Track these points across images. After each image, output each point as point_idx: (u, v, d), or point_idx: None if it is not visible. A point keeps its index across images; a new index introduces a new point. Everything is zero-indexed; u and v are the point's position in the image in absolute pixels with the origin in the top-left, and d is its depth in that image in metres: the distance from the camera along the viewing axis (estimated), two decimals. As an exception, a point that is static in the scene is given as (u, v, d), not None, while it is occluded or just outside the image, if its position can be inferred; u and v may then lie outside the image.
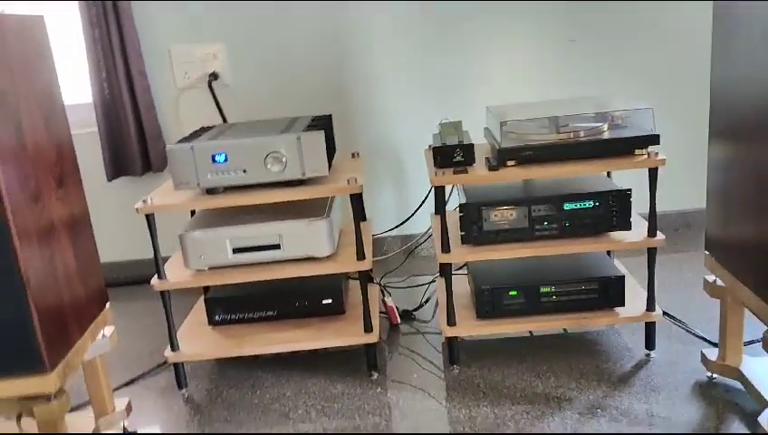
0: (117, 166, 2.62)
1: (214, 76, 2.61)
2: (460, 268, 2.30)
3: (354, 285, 2.22)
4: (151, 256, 1.83)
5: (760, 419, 1.51)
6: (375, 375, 1.96)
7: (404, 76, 2.67)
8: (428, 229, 2.64)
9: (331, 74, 2.66)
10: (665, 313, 2.10)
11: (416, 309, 2.34)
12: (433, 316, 2.31)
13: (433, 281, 2.46)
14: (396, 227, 2.64)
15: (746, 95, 1.45)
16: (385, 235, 2.75)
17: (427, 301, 2.38)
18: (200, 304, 2.22)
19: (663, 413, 1.67)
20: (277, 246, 1.85)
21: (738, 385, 1.72)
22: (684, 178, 2.67)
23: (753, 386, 1.62)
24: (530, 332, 2.12)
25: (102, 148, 2.59)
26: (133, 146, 2.60)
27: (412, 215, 2.55)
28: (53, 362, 1.43)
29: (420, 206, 2.44)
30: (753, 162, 1.44)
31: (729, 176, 1.58)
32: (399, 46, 2.64)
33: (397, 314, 2.26)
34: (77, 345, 1.55)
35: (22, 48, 1.44)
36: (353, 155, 2.14)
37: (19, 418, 1.79)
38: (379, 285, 2.35)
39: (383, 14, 2.60)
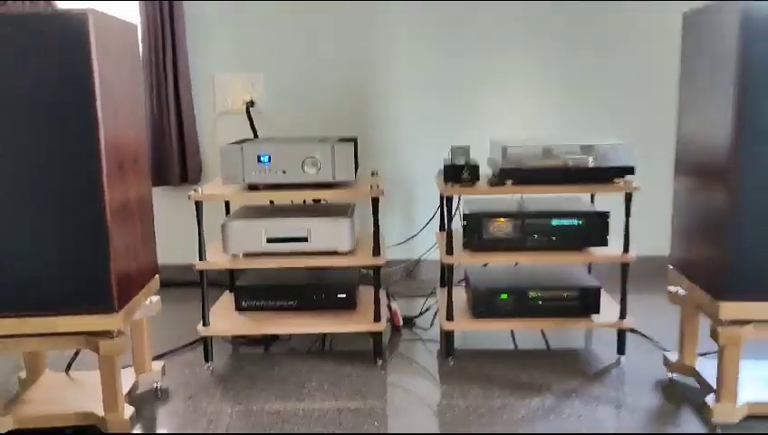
0: (158, 175, 2.94)
1: (251, 103, 2.97)
2: (458, 283, 2.58)
3: (363, 290, 2.50)
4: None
5: (707, 398, 1.79)
6: (380, 362, 2.23)
7: (417, 113, 3.03)
8: (432, 246, 2.95)
9: (352, 108, 3.02)
10: (633, 329, 2.39)
11: (416, 316, 2.62)
12: (431, 325, 2.59)
13: (432, 293, 2.75)
14: (404, 242, 2.93)
15: (698, 146, 1.80)
16: (389, 255, 3.04)
17: (426, 310, 2.66)
18: (225, 296, 2.50)
19: (629, 401, 1.94)
20: (305, 239, 2.15)
21: (693, 382, 2.00)
22: (654, 226, 3.00)
23: (704, 380, 1.91)
24: (515, 345, 2.39)
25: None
26: (174, 159, 2.92)
27: (420, 231, 2.85)
28: (120, 305, 1.70)
29: (428, 223, 2.74)
30: (704, 194, 1.77)
31: (688, 204, 1.91)
32: (415, 84, 3.01)
33: (400, 317, 2.53)
34: (135, 298, 1.83)
35: (120, 47, 1.78)
36: (373, 173, 2.46)
37: (68, 368, 2.05)
38: (386, 290, 2.63)
39: (402, 54, 2.99)
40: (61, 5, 2.90)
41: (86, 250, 1.65)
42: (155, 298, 2.03)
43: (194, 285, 2.82)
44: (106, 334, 1.71)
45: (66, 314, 1.67)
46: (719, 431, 1.75)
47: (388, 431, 1.81)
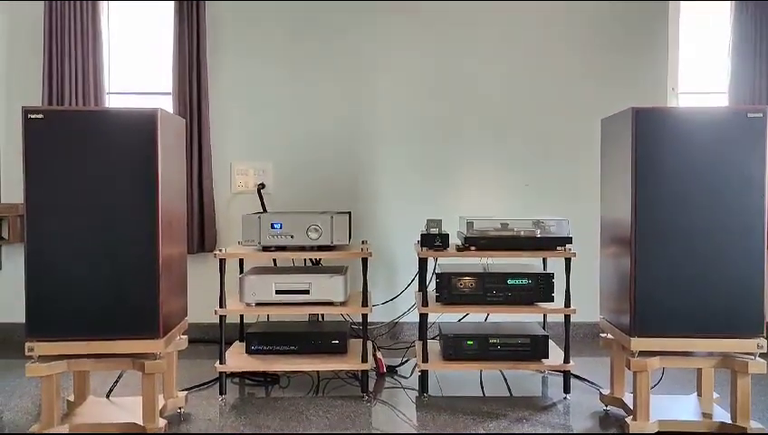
0: (179, 244, 3.44)
1: (262, 185, 3.52)
2: (434, 337, 3.03)
3: (353, 341, 2.94)
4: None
5: (627, 419, 2.24)
6: (366, 396, 2.66)
7: (401, 193, 3.59)
8: (412, 306, 3.41)
9: (344, 189, 3.58)
10: (576, 375, 2.84)
11: (398, 365, 3.06)
12: (411, 374, 3.02)
13: (411, 346, 3.20)
14: (389, 300, 3.38)
15: (612, 223, 2.35)
16: (374, 317, 3.50)
17: (407, 360, 3.11)
18: (236, 344, 2.94)
19: (569, 425, 2.39)
20: (307, 292, 2.63)
21: (622, 412, 2.44)
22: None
23: (629, 407, 2.36)
24: (482, 387, 2.83)
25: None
26: (194, 230, 3.43)
27: (402, 291, 3.30)
28: (164, 333, 2.17)
29: (409, 285, 3.21)
30: (617, 259, 2.30)
31: (609, 266, 2.43)
32: (399, 169, 3.59)
33: (384, 365, 2.98)
34: (172, 331, 2.29)
35: (174, 135, 2.34)
36: (363, 241, 2.98)
37: (109, 393, 2.47)
38: (372, 341, 3.09)
39: (390, 145, 3.59)
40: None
41: (142, 288, 2.13)
42: (184, 336, 2.49)
43: (201, 341, 3.30)
44: (151, 356, 2.16)
45: (121, 338, 2.14)
46: (636, 443, 2.20)
47: (372, 443, 2.25)
